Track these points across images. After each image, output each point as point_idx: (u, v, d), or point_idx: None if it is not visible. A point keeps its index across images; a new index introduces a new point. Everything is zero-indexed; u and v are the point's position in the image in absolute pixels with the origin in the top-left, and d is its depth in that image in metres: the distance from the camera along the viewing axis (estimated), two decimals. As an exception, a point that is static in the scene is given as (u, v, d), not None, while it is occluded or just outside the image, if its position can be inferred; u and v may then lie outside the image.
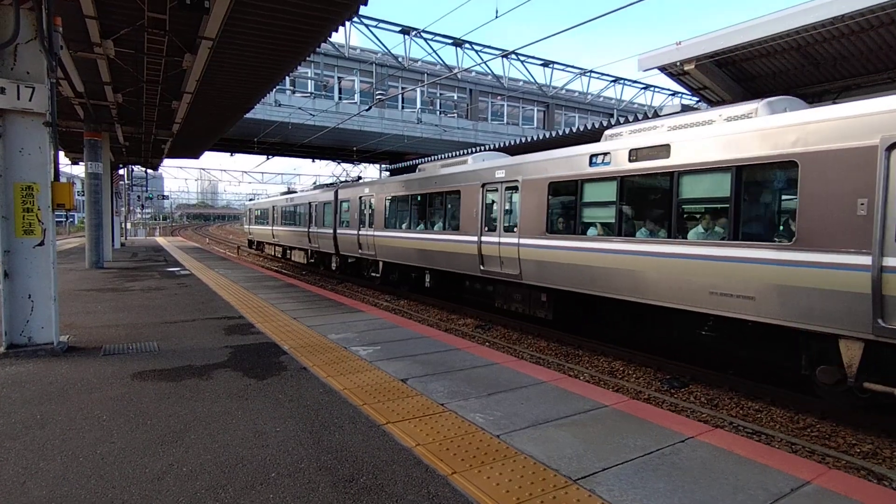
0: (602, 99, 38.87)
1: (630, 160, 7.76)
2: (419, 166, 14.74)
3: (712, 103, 13.31)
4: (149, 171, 38.64)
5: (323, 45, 10.26)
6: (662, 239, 7.37)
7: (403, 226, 14.21)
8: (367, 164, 37.60)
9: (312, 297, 10.36)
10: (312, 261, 21.73)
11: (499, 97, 34.26)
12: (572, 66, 34.63)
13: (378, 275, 15.99)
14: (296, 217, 23.09)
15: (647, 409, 4.32)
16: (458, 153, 16.62)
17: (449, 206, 12.31)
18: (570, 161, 8.82)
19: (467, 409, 4.14)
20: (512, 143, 16.71)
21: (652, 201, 8.02)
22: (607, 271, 8.03)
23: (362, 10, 8.40)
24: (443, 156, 19.29)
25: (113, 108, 14.36)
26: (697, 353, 8.03)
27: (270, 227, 27.23)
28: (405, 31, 27.02)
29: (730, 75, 12.58)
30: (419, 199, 13.68)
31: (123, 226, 34.94)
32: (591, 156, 8.39)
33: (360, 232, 16.33)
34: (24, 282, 5.59)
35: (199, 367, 5.26)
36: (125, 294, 10.32)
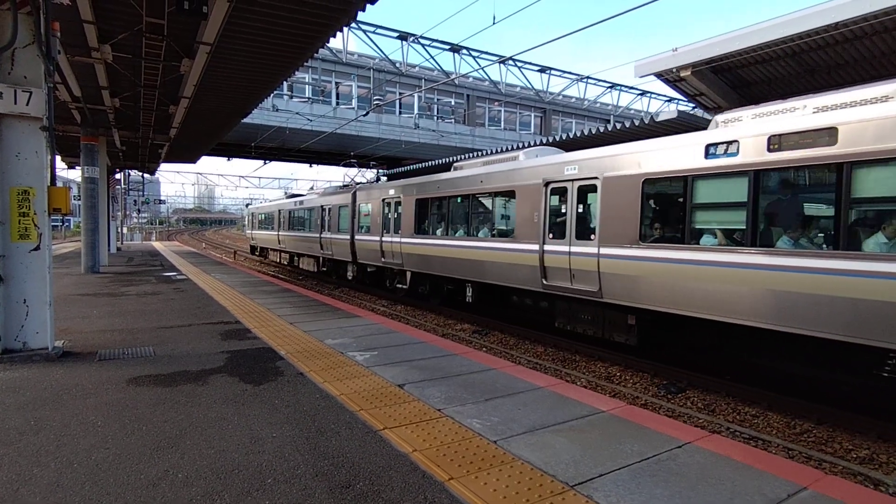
0: (599, 105, 39.06)
1: (771, 149, 6.17)
2: (454, 164, 12.98)
3: (708, 109, 13.40)
4: (145, 175, 38.56)
5: (321, 50, 10.30)
6: (827, 252, 5.70)
7: (438, 231, 12.49)
8: (364, 169, 37.61)
9: (309, 301, 10.34)
10: (324, 269, 20.02)
11: (496, 103, 34.36)
12: (569, 73, 34.85)
13: (405, 286, 14.23)
14: (305, 222, 21.32)
15: (645, 414, 4.32)
16: (466, 156, 15.22)
17: (499, 208, 10.85)
18: (673, 153, 7.17)
19: (464, 415, 4.13)
20: (509, 147, 16.45)
21: (803, 202, 6.36)
22: (734, 292, 6.39)
23: (360, 15, 8.44)
24: (471, 154, 18.04)
25: (110, 113, 14.35)
26: (694, 358, 8.03)
27: (276, 233, 25.31)
28: (403, 36, 27.13)
29: (726, 82, 12.66)
30: (459, 200, 11.89)
31: (120, 230, 34.86)
32: (708, 146, 6.74)
33: (384, 238, 14.62)
34: (20, 286, 5.56)
35: (194, 372, 5.24)
36: (121, 299, 10.27)
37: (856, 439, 5.62)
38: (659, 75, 12.87)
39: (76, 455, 3.32)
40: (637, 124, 11.62)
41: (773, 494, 2.94)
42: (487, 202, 11.24)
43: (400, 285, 14.57)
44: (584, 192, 8.58)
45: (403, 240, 13.61)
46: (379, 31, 26.55)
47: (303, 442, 3.58)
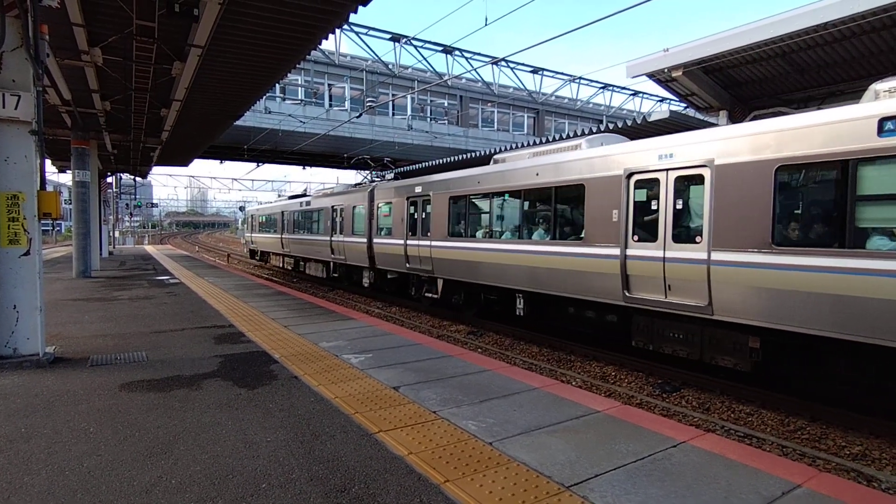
0: (591, 105, 39.20)
1: None
2: (494, 157, 11.45)
3: (700, 109, 13.50)
4: (137, 178, 38.33)
5: (313, 52, 10.27)
6: None
7: (479, 233, 10.99)
8: (358, 171, 37.54)
9: (303, 304, 10.30)
10: (336, 275, 18.41)
11: (489, 104, 34.42)
12: (562, 73, 34.96)
13: (435, 295, 12.58)
14: (314, 224, 19.73)
15: (640, 414, 4.33)
16: (503, 148, 13.72)
17: (561, 206, 9.23)
18: (827, 130, 5.67)
19: (460, 417, 4.12)
20: (504, 148, 16.16)
21: None
22: None
23: (352, 17, 8.42)
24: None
25: (101, 116, 14.24)
26: (688, 357, 8.04)
27: (279, 236, 23.65)
28: (395, 38, 27.13)
29: (717, 81, 12.76)
30: (507, 197, 10.37)
31: (111, 234, 34.60)
32: (882, 120, 5.28)
33: (409, 242, 13.04)
34: (10, 292, 5.51)
35: (188, 377, 5.20)
36: (113, 303, 10.19)
37: (849, 436, 5.66)
38: (651, 75, 12.97)
39: (68, 462, 3.29)
40: (630, 124, 11.64)
41: (768, 492, 2.95)
42: (545, 198, 9.40)
43: (429, 294, 12.88)
44: (685, 184, 7.11)
45: (434, 243, 12.07)
46: (371, 32, 26.54)
47: (297, 446, 3.56)
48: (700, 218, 6.86)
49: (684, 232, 7.08)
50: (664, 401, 6.85)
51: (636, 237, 7.61)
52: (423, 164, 19.86)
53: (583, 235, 8.42)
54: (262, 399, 4.53)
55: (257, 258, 29.56)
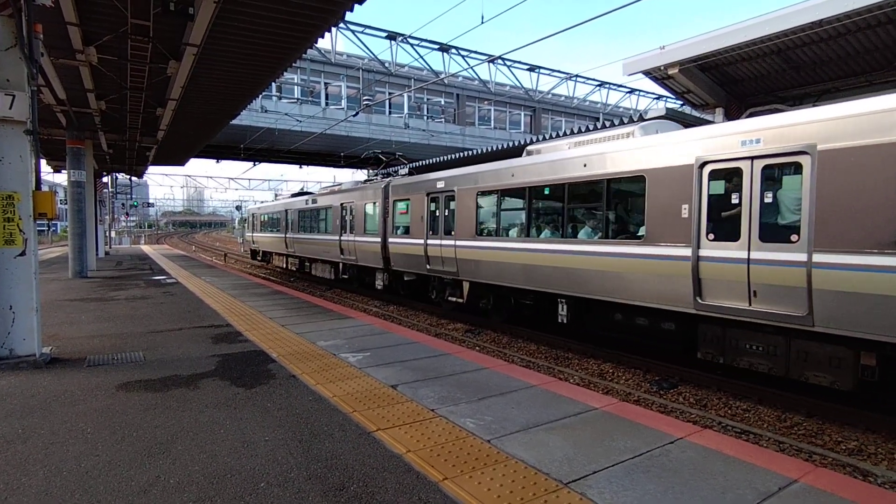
0: (588, 103, 39.25)
1: None
2: (527, 148, 10.40)
3: (696, 106, 13.52)
4: (133, 178, 38.19)
5: (309, 50, 10.25)
6: None
7: (513, 232, 10.06)
8: (355, 170, 37.51)
9: (301, 303, 10.29)
10: (345, 277, 17.51)
11: (486, 102, 34.42)
12: (558, 71, 34.99)
13: (460, 300, 11.68)
14: (321, 223, 18.82)
15: (637, 410, 4.34)
16: (536, 138, 12.65)
17: (615, 201, 8.34)
18: None
19: (458, 415, 4.13)
20: (501, 147, 15.80)
21: None
22: None
23: (348, 16, 8.41)
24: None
25: (96, 116, 14.19)
26: (685, 354, 8.07)
27: (283, 235, 22.67)
28: (391, 36, 27.09)
29: (713, 79, 12.77)
30: (547, 192, 9.35)
31: (107, 234, 34.49)
32: None
33: (430, 241, 12.12)
34: (5, 293, 5.48)
35: (185, 376, 5.19)
36: (109, 304, 10.16)
37: (844, 431, 5.69)
38: (647, 73, 12.97)
39: (65, 463, 3.28)
40: (626, 122, 11.63)
41: (765, 487, 2.97)
42: (595, 192, 8.45)
43: (452, 298, 11.95)
44: (776, 173, 6.24)
45: (459, 243, 11.09)
46: (367, 31, 26.50)
47: (296, 445, 3.56)
48: (796, 213, 5.94)
49: (775, 230, 6.14)
50: (661, 397, 6.88)
51: (711, 236, 6.68)
52: (440, 158, 18.68)
53: (642, 234, 7.52)
54: (260, 398, 4.53)
55: (259, 258, 28.68)
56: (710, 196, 6.73)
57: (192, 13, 7.22)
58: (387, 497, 2.89)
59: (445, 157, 18.07)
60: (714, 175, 6.70)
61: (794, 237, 5.91)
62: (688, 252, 6.84)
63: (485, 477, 3.11)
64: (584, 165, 8.38)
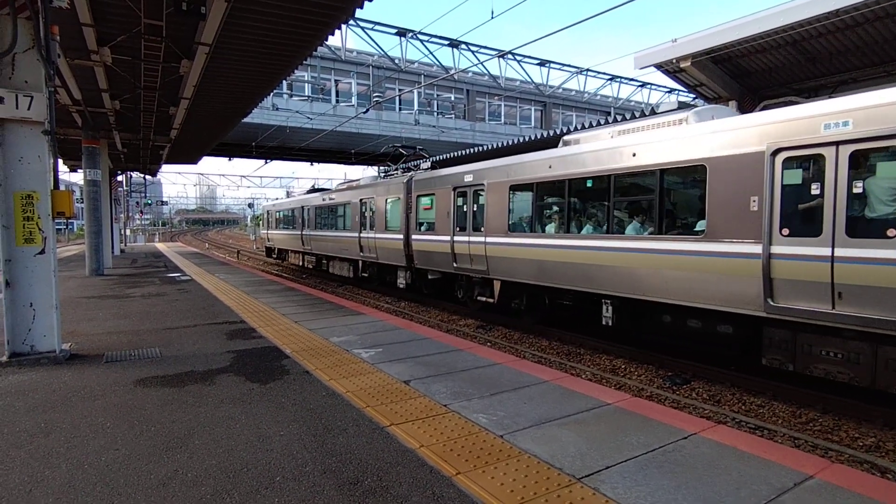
0: (599, 97, 38.96)
1: None
2: (563, 138, 9.73)
3: (709, 100, 13.36)
4: (147, 177, 38.67)
5: (319, 48, 10.29)
6: None
7: (551, 227, 9.41)
8: (366, 167, 37.63)
9: (313, 300, 10.37)
10: (365, 275, 17.01)
11: (496, 97, 34.30)
12: (569, 65, 34.79)
13: (491, 300, 11.11)
14: (339, 219, 18.30)
15: (650, 406, 4.33)
16: (569, 128, 12.16)
17: (669, 193, 7.69)
18: None
19: (470, 410, 4.15)
20: (510, 142, 15.60)
21: None
22: None
23: (358, 12, 8.43)
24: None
25: (111, 115, 14.38)
26: (698, 350, 8.01)
27: (300, 232, 22.14)
28: (401, 32, 27.09)
29: (726, 71, 12.62)
30: (590, 184, 8.69)
31: (123, 232, 34.98)
32: None
33: (457, 238, 11.57)
34: (26, 290, 5.60)
35: (201, 372, 5.27)
36: (126, 301, 10.32)
37: (862, 427, 5.62)
38: (659, 66, 12.84)
39: (86, 456, 3.35)
40: (637, 116, 11.50)
41: (780, 483, 2.95)
42: (646, 185, 7.90)
43: (482, 298, 11.46)
44: (868, 161, 5.59)
45: (490, 239, 10.56)
46: (377, 27, 26.53)
47: (310, 439, 3.60)
48: (892, 205, 5.34)
49: (866, 224, 5.50)
50: (674, 393, 6.84)
51: (786, 231, 6.02)
52: (463, 152, 18.06)
53: (701, 229, 6.92)
54: (275, 394, 4.59)
55: (274, 256, 28.19)
56: (784, 186, 6.05)
57: (204, 12, 7.27)
58: (401, 491, 2.92)
59: (469, 151, 17.55)
60: (790, 163, 6.02)
61: (890, 232, 5.25)
62: (757, 249, 6.19)
63: (498, 472, 3.12)
64: (634, 155, 7.75)
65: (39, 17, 5.38)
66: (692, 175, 7.20)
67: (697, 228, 7.04)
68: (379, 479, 3.05)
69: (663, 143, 7.38)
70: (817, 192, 5.80)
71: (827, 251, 5.64)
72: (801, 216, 5.96)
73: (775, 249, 6.07)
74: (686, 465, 3.18)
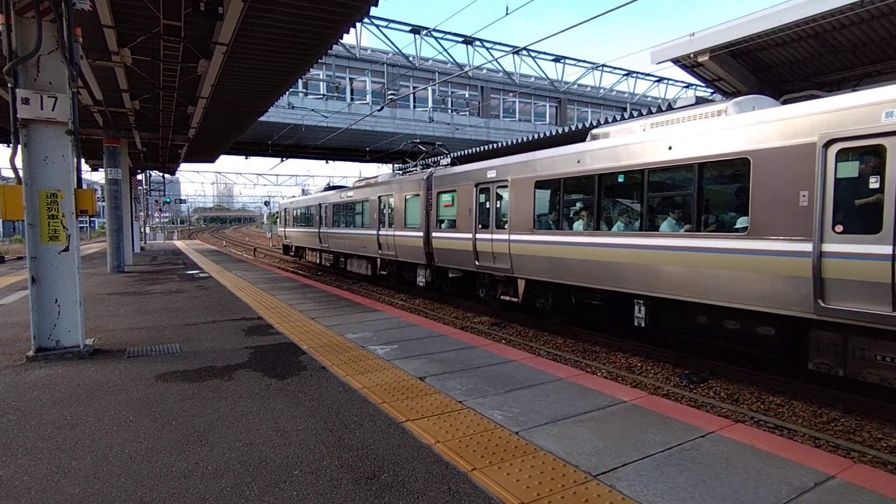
0: (615, 93, 38.55)
1: None
2: (591, 132, 9.42)
3: (727, 94, 13.14)
4: (166, 175, 39.27)
5: (334, 46, 10.35)
6: None
7: (578, 224, 9.09)
8: (381, 164, 37.76)
9: (329, 297, 10.46)
10: (383, 273, 16.80)
11: (510, 94, 34.15)
12: (584, 61, 34.47)
13: (515, 299, 10.82)
14: (357, 216, 18.20)
15: (667, 404, 4.30)
16: (596, 121, 11.76)
17: (709, 188, 7.27)
18: None
19: (485, 407, 4.16)
20: (525, 139, 15.52)
21: None
22: None
23: (373, 10, 8.45)
24: (493, 144, 16.15)
25: (131, 115, 14.64)
26: (716, 347, 7.91)
27: (317, 230, 22.05)
28: (415, 30, 27.09)
29: (745, 66, 12.39)
30: (622, 179, 8.36)
31: (143, 230, 35.59)
32: None
33: (479, 235, 11.33)
34: (51, 287, 5.74)
35: (220, 367, 5.36)
36: (146, 297, 10.52)
37: (885, 428, 5.51)
38: (676, 61, 12.66)
39: (111, 448, 3.44)
40: (654, 111, 11.36)
41: (800, 483, 2.91)
42: (683, 179, 7.50)
43: (505, 297, 11.18)
44: None
45: (514, 237, 10.27)
46: (392, 25, 26.57)
47: (327, 434, 3.64)
48: None
49: None
50: (691, 391, 6.77)
51: (839, 228, 5.63)
52: (482, 148, 17.60)
53: (744, 225, 6.53)
54: (292, 389, 4.65)
55: (292, 254, 28.14)
56: (838, 180, 5.66)
57: (222, 12, 7.38)
58: (417, 486, 2.94)
59: (489, 147, 17.31)
60: (845, 155, 5.60)
61: None
62: (807, 247, 5.80)
63: (514, 468, 3.13)
64: (670, 148, 7.39)
65: (63, 20, 5.50)
66: (734, 169, 6.80)
67: (739, 225, 6.67)
68: (395, 473, 3.08)
69: (702, 136, 7.02)
70: (876, 185, 5.37)
71: (887, 249, 5.23)
72: (858, 212, 5.56)
73: (827, 247, 5.67)
74: (703, 464, 3.15)
